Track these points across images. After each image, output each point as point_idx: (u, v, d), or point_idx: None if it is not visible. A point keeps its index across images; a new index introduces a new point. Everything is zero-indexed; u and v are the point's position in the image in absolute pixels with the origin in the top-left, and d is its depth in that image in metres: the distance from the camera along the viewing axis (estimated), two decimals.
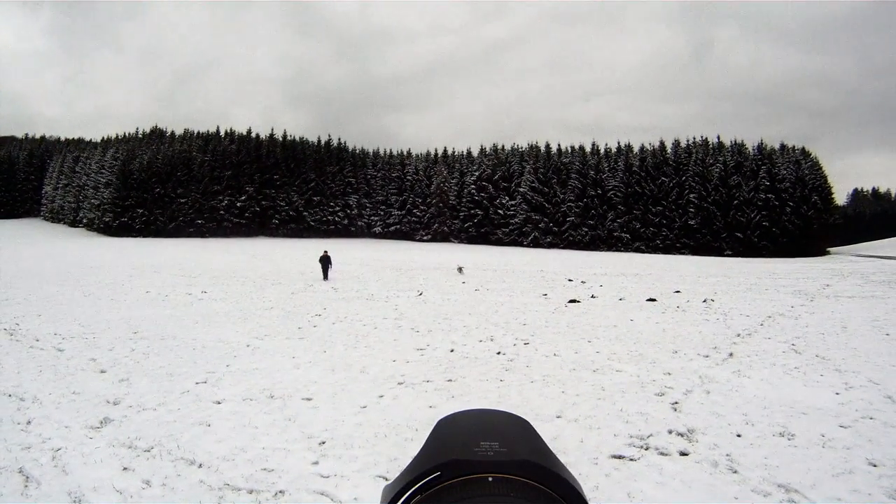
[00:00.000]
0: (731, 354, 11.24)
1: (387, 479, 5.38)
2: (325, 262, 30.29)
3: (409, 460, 0.69)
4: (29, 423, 7.38)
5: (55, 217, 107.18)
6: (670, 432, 6.72)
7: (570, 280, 29.54)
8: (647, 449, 6.20)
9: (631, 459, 5.93)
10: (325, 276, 29.86)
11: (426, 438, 0.75)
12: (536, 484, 0.63)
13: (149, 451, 6.41)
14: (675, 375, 9.48)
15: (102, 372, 10.05)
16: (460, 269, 35.81)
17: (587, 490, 4.98)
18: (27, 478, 5.70)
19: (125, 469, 5.92)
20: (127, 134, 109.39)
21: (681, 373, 9.67)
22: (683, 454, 6.06)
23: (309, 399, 8.52)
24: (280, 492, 5.40)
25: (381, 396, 8.61)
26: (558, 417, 7.41)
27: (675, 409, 7.63)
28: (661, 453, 6.09)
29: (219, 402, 8.30)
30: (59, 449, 6.42)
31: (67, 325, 14.82)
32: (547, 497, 0.62)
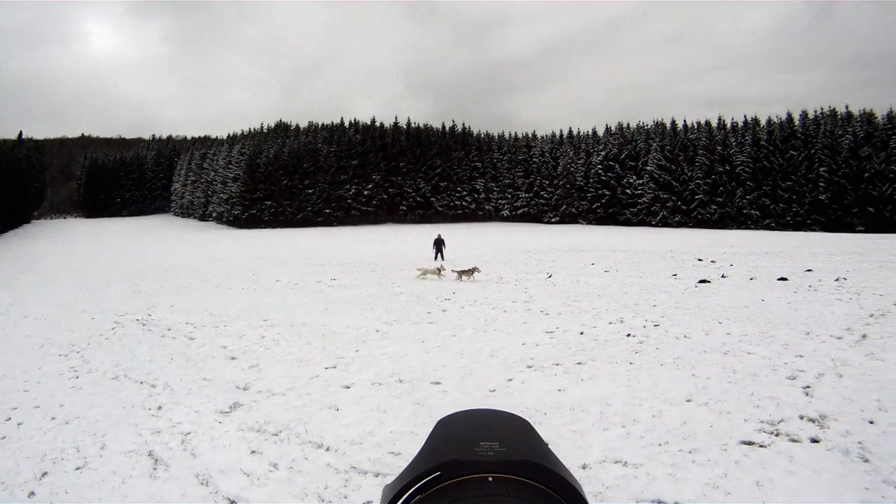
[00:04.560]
0: (864, 336, 10.96)
1: None
2: (439, 244, 32.76)
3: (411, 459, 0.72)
4: (160, 408, 7.86)
5: (185, 212, 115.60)
6: (801, 418, 6.75)
7: (699, 260, 29.48)
8: (777, 435, 6.28)
9: (761, 446, 6.01)
10: (437, 258, 31.91)
11: (426, 438, 0.78)
12: (536, 484, 0.66)
13: (277, 434, 6.65)
14: (807, 358, 9.43)
15: (233, 359, 10.59)
16: None
17: (716, 477, 5.28)
18: (156, 460, 6.05)
19: (253, 452, 6.16)
20: (252, 129, 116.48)
21: (813, 355, 9.60)
22: (814, 441, 6.09)
23: (438, 383, 8.66)
24: None
25: (510, 380, 8.75)
26: (688, 401, 7.47)
27: (807, 394, 7.63)
28: (792, 440, 6.14)
29: (348, 387, 8.54)
30: (188, 433, 6.78)
31: (198, 314, 15.78)
32: (547, 497, 0.65)
